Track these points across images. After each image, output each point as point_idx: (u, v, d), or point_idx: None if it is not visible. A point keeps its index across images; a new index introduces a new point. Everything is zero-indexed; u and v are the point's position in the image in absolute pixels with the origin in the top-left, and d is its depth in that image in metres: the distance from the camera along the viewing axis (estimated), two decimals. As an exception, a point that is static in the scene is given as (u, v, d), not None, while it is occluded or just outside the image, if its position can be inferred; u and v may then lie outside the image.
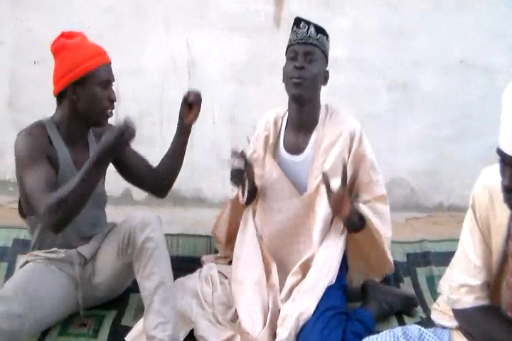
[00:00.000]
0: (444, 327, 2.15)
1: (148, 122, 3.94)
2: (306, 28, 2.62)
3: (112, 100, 2.54)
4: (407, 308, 2.94)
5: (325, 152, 2.68)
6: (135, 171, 2.84)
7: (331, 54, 2.74)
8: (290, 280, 2.67)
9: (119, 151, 2.36)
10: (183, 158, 2.87)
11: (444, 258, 3.10)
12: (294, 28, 2.67)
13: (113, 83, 2.58)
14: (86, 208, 2.46)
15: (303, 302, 2.51)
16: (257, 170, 2.79)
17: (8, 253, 3.25)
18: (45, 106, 3.79)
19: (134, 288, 2.83)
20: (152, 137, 3.90)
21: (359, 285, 2.91)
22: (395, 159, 3.68)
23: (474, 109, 3.91)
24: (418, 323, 2.63)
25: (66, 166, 2.55)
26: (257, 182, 2.81)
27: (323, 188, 2.59)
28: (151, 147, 3.67)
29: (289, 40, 2.69)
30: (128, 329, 2.65)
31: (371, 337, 2.11)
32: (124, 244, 2.57)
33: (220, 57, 3.93)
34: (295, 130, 2.77)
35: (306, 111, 2.71)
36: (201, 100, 2.77)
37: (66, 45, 2.48)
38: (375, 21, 3.85)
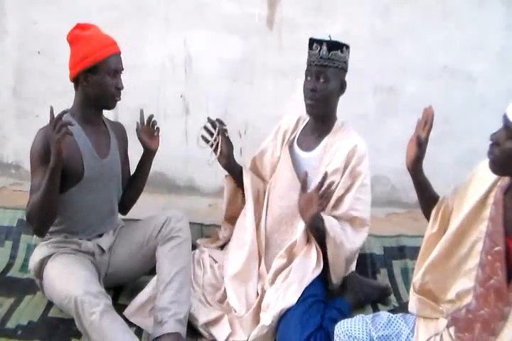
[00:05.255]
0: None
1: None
2: (318, 48, 2.75)
3: (118, 88, 2.70)
4: (382, 297, 3.14)
5: (331, 156, 2.87)
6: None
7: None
8: (276, 263, 2.85)
9: (55, 156, 2.44)
10: (147, 177, 3.09)
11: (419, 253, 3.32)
12: (308, 50, 2.82)
13: (122, 72, 2.73)
14: (107, 190, 2.79)
15: (287, 295, 2.67)
16: (269, 159, 3.09)
17: (12, 233, 3.44)
18: (48, 95, 3.96)
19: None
20: (149, 129, 4.01)
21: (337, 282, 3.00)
22: (378, 158, 3.75)
23: (455, 114, 4.05)
24: (391, 310, 2.83)
25: (86, 149, 2.72)
26: (269, 170, 3.10)
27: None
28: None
29: (307, 60, 2.84)
30: (125, 306, 2.82)
31: (344, 320, 2.31)
32: (156, 230, 2.81)
33: (216, 56, 4.05)
34: (310, 132, 2.98)
35: (320, 121, 2.92)
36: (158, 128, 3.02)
37: (81, 36, 2.64)
38: (364, 28, 3.98)
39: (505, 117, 1.87)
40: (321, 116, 2.90)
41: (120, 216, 3.12)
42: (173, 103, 4.12)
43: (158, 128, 3.00)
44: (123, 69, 2.73)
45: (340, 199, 2.87)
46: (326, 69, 2.77)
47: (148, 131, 2.98)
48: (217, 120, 2.99)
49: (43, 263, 2.74)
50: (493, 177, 2.04)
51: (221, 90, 4.12)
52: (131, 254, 2.90)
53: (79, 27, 2.68)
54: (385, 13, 3.98)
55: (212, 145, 3.01)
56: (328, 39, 2.78)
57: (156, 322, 2.64)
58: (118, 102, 2.76)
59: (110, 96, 2.70)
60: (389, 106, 4.14)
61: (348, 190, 2.87)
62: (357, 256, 3.03)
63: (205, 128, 3.02)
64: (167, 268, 2.74)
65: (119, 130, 2.99)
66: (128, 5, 3.99)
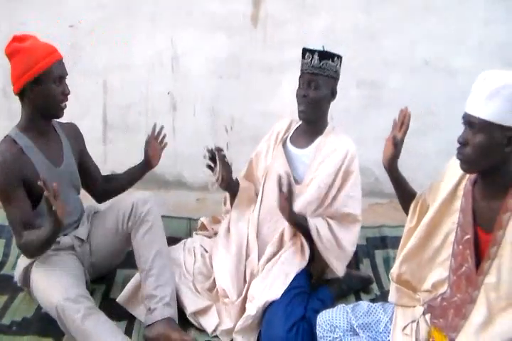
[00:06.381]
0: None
1: (134, 112, 4.09)
2: (310, 58, 2.89)
3: (65, 94, 2.67)
4: (364, 287, 3.24)
5: (324, 156, 2.99)
6: (87, 176, 3.07)
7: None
8: (268, 250, 2.95)
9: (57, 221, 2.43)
10: (134, 183, 3.23)
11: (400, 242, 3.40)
12: (301, 59, 2.95)
13: (66, 77, 2.69)
14: (67, 194, 2.78)
15: (273, 288, 2.78)
16: (263, 159, 3.19)
17: (5, 231, 3.48)
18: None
19: (120, 264, 3.17)
20: (137, 126, 4.07)
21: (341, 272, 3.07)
22: (362, 151, 3.81)
23: (436, 107, 4.13)
24: (373, 299, 2.96)
25: (41, 163, 2.70)
26: (263, 171, 3.17)
27: (313, 183, 2.96)
28: (136, 135, 3.89)
29: (300, 69, 2.97)
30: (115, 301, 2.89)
31: (326, 310, 2.42)
32: (125, 217, 2.85)
33: (202, 54, 4.11)
34: (302, 133, 3.10)
35: (312, 124, 3.04)
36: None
37: (19, 49, 2.59)
38: (348, 23, 4.04)
39: (465, 116, 1.99)
40: (313, 121, 3.02)
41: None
42: (161, 100, 4.18)
43: (166, 144, 3.15)
44: (67, 74, 2.70)
45: (334, 198, 2.99)
46: (317, 78, 2.90)
47: (156, 146, 3.11)
48: (216, 148, 3.03)
49: (27, 271, 2.77)
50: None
51: (208, 87, 4.18)
52: (108, 240, 2.96)
53: (16, 39, 2.65)
54: (368, 8, 4.05)
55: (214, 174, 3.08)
56: (321, 49, 2.91)
57: (146, 311, 2.75)
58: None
59: (57, 104, 2.67)
60: (372, 100, 4.21)
61: (340, 189, 3.00)
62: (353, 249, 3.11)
63: (209, 157, 3.07)
64: (144, 255, 2.81)
65: (71, 131, 3.00)
66: (115, 5, 4.05)
